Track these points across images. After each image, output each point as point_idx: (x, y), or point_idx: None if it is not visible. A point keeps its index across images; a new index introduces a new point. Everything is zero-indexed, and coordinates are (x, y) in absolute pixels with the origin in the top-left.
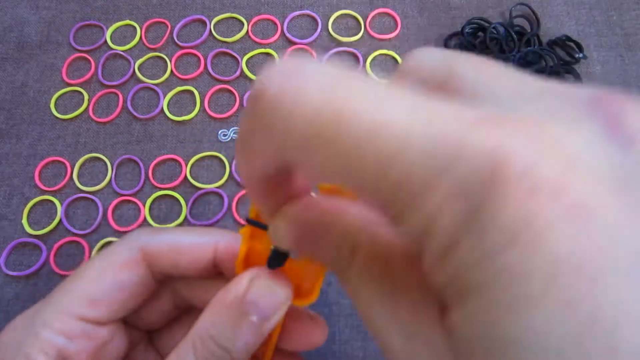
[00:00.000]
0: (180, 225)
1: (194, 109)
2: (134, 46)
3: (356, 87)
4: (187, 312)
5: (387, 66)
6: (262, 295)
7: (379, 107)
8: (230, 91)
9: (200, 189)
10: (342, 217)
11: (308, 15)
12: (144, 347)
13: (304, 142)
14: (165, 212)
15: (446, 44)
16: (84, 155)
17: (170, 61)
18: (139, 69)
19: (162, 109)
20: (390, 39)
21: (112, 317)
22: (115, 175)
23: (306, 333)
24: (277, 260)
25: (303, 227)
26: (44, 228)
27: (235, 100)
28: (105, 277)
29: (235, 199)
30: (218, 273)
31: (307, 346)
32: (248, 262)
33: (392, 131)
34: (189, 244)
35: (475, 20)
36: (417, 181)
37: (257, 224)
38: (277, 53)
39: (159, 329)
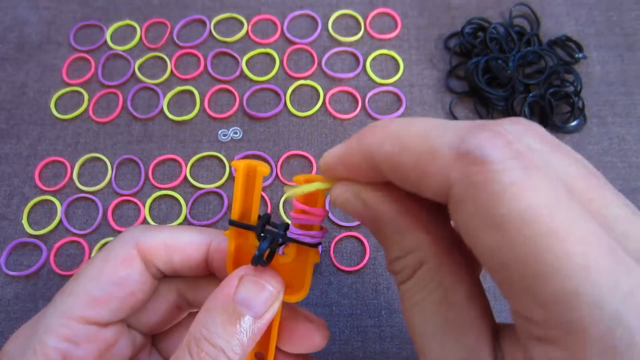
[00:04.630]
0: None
1: (194, 109)
2: (134, 46)
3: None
4: (191, 315)
5: (387, 66)
6: (252, 292)
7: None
8: (230, 91)
9: (200, 189)
10: (417, 222)
11: (308, 15)
12: (148, 352)
13: (499, 222)
14: (165, 212)
15: (446, 44)
16: (84, 155)
17: (170, 61)
18: (139, 69)
19: (162, 109)
20: (390, 38)
21: (114, 317)
22: (115, 175)
23: (306, 335)
24: (261, 257)
25: (377, 208)
26: (44, 228)
27: (235, 100)
28: (104, 275)
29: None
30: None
31: (308, 348)
32: (238, 262)
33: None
34: (182, 241)
35: (475, 20)
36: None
37: (240, 225)
38: (277, 53)
39: (162, 332)
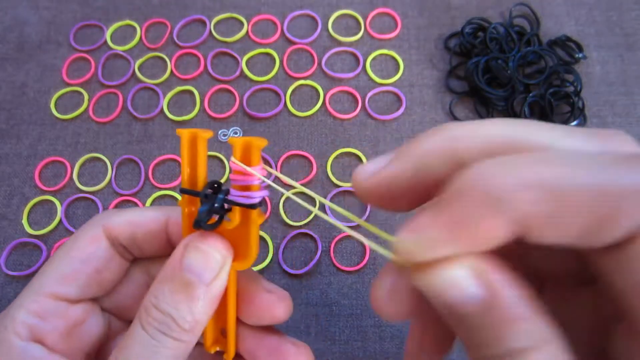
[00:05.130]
0: None
1: (194, 109)
2: (134, 46)
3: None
4: None
5: (387, 66)
6: (197, 258)
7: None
8: (230, 91)
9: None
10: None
11: (308, 15)
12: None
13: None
14: None
15: (446, 44)
16: (84, 155)
17: (170, 61)
18: (139, 69)
19: (162, 109)
20: (390, 38)
21: (83, 294)
22: (115, 175)
23: (266, 306)
24: (201, 220)
25: (491, 297)
26: (44, 228)
27: (235, 100)
28: (72, 253)
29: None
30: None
31: (270, 320)
32: (192, 230)
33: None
34: (144, 217)
35: (475, 20)
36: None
37: (190, 192)
38: (277, 53)
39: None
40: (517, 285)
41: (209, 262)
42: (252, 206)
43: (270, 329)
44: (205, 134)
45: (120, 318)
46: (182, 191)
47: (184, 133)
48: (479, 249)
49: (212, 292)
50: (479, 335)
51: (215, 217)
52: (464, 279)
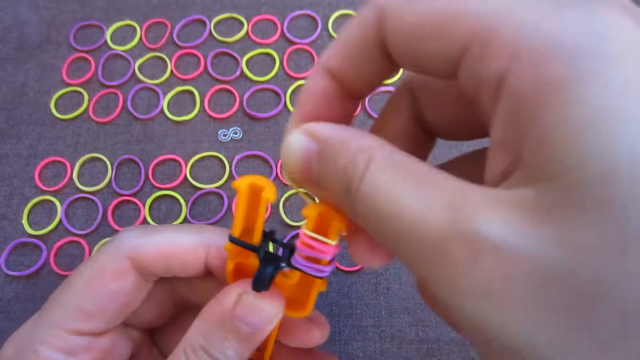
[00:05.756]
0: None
1: (194, 109)
2: (134, 46)
3: None
4: (189, 310)
5: None
6: (250, 311)
7: None
8: (230, 91)
9: (200, 189)
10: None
11: (308, 15)
12: (149, 347)
13: None
14: (165, 212)
15: None
16: (84, 155)
17: (170, 61)
18: (139, 69)
19: (162, 109)
20: None
21: (109, 326)
22: (115, 175)
23: (305, 332)
24: (261, 282)
25: (320, 142)
26: (44, 228)
27: (235, 100)
28: (94, 288)
29: (235, 199)
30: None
31: (307, 344)
32: (238, 273)
33: None
34: (180, 247)
35: None
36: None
37: (240, 243)
38: (277, 53)
39: (161, 328)
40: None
41: (263, 316)
42: (320, 277)
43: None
44: (270, 195)
45: (141, 329)
46: (233, 241)
47: (242, 186)
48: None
49: (260, 338)
50: (334, 166)
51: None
52: (297, 138)
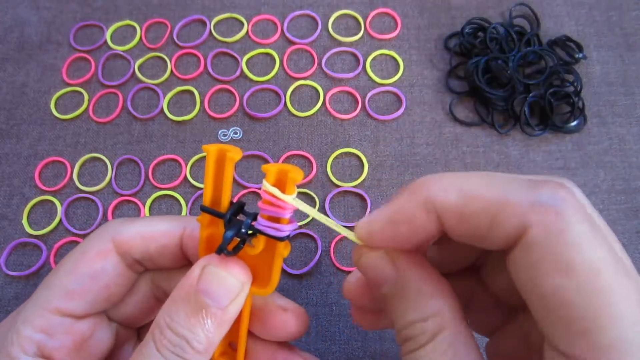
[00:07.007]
0: None
1: (194, 109)
2: (134, 46)
3: None
4: None
5: (387, 66)
6: (214, 283)
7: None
8: (230, 91)
9: (200, 189)
10: (440, 288)
11: (308, 15)
12: (133, 345)
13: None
14: (165, 212)
15: (446, 44)
16: (84, 155)
17: (170, 61)
18: (139, 69)
19: (162, 109)
20: (390, 39)
21: (90, 310)
22: (115, 175)
23: (281, 324)
24: (225, 246)
25: (400, 273)
26: (44, 228)
27: (235, 100)
28: (79, 268)
29: (235, 199)
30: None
31: (286, 336)
32: (210, 249)
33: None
34: (157, 230)
35: (475, 20)
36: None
37: (210, 211)
38: (277, 53)
39: (145, 325)
40: (423, 269)
41: (227, 287)
42: (280, 239)
43: (282, 343)
44: (235, 155)
45: (125, 326)
46: (204, 210)
47: (211, 149)
48: (414, 238)
49: (228, 316)
50: (395, 309)
51: (237, 240)
52: (380, 260)
